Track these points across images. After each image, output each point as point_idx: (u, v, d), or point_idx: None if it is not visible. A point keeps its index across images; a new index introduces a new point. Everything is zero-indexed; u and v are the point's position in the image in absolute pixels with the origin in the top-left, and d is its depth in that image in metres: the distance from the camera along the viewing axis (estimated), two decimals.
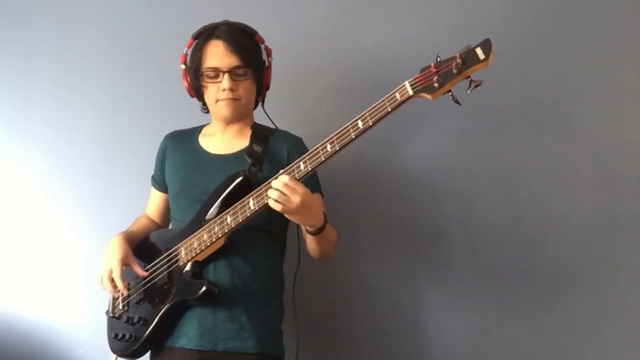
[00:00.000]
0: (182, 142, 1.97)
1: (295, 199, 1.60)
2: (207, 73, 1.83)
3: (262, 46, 1.90)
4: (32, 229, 2.46)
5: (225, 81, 1.81)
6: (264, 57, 1.91)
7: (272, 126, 1.97)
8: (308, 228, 1.73)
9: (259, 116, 1.98)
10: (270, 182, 1.64)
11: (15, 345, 2.39)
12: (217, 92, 1.83)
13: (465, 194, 2.21)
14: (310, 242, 1.80)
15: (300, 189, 1.60)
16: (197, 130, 1.98)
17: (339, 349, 2.24)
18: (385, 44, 2.29)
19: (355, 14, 2.34)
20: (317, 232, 1.72)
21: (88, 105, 2.49)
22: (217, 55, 1.81)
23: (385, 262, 2.25)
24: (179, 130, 2.03)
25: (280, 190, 1.60)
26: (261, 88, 1.92)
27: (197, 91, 1.91)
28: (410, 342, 2.21)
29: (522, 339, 2.15)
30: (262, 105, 1.97)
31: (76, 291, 2.40)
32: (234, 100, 1.84)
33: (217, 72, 1.82)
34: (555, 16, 2.21)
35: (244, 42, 1.84)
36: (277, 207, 1.61)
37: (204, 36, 1.85)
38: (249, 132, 1.90)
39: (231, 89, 1.81)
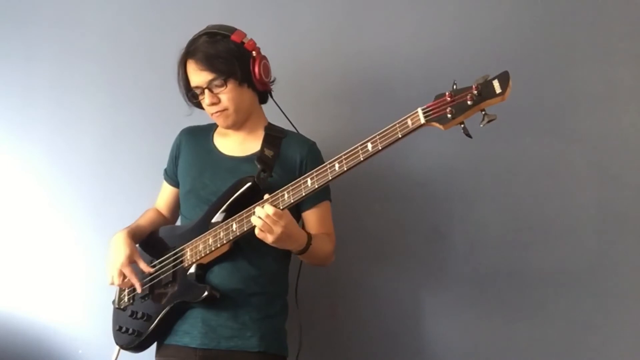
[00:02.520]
0: (197, 139, 1.97)
1: (277, 230, 1.64)
2: (193, 93, 1.86)
3: (243, 42, 1.84)
4: (32, 229, 2.46)
5: (206, 97, 1.82)
6: (248, 52, 1.85)
7: (284, 119, 1.96)
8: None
9: (271, 111, 1.97)
10: (258, 206, 1.67)
11: (15, 345, 2.39)
12: (207, 107, 1.85)
13: (465, 195, 2.21)
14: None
15: (283, 221, 1.64)
16: (212, 128, 1.98)
17: (340, 348, 2.24)
18: (387, 45, 2.28)
19: (357, 16, 2.33)
20: (300, 253, 1.77)
21: (88, 105, 2.49)
22: (193, 74, 1.82)
23: (387, 263, 2.25)
24: (196, 126, 2.02)
25: (264, 220, 1.64)
26: (254, 84, 1.86)
27: (198, 105, 1.91)
28: (410, 342, 2.21)
29: (522, 338, 2.15)
30: (272, 97, 1.95)
31: (76, 291, 2.40)
32: (222, 111, 1.84)
33: (200, 90, 1.83)
34: (555, 17, 2.21)
35: (214, 52, 1.80)
36: (259, 234, 1.66)
37: (183, 56, 1.85)
38: (261, 133, 1.89)
39: (213, 103, 1.82)
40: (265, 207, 1.65)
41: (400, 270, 2.24)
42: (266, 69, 1.87)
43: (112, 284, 1.85)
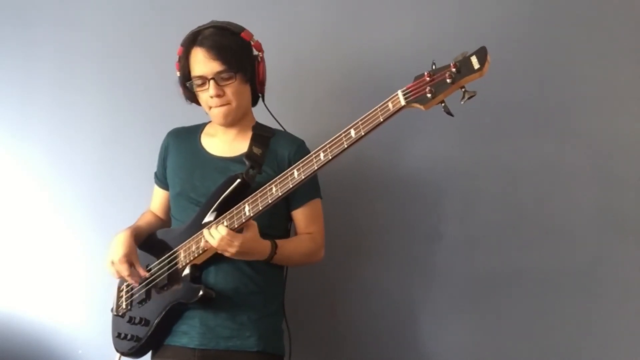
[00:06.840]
0: (185, 141, 1.96)
1: (232, 250, 1.68)
2: (195, 82, 1.83)
3: (251, 42, 1.87)
4: (32, 229, 2.46)
5: (211, 88, 1.80)
6: (255, 52, 1.87)
7: (274, 123, 1.96)
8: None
9: (262, 114, 1.97)
10: (213, 225, 1.70)
11: (15, 345, 2.39)
12: (207, 99, 1.83)
13: (465, 195, 2.21)
14: None
15: (237, 241, 1.67)
16: (199, 129, 1.98)
17: (338, 348, 2.24)
18: (387, 44, 2.28)
19: (356, 14, 2.33)
20: (268, 261, 1.78)
21: (88, 105, 2.49)
22: (200, 63, 1.80)
23: (384, 263, 2.25)
24: (182, 127, 2.02)
25: (218, 241, 1.68)
26: (255, 85, 1.88)
27: (192, 98, 1.91)
28: (409, 343, 2.21)
29: (521, 339, 2.15)
30: (263, 100, 1.95)
31: (76, 291, 2.40)
32: (224, 105, 1.83)
33: (203, 80, 1.81)
34: (554, 16, 2.21)
35: (227, 44, 1.80)
36: (217, 249, 1.70)
37: (187, 44, 1.84)
38: (250, 134, 1.89)
39: (218, 95, 1.80)
40: (219, 228, 1.68)
41: (399, 270, 2.24)
42: (265, 72, 1.90)
43: (113, 275, 1.85)
